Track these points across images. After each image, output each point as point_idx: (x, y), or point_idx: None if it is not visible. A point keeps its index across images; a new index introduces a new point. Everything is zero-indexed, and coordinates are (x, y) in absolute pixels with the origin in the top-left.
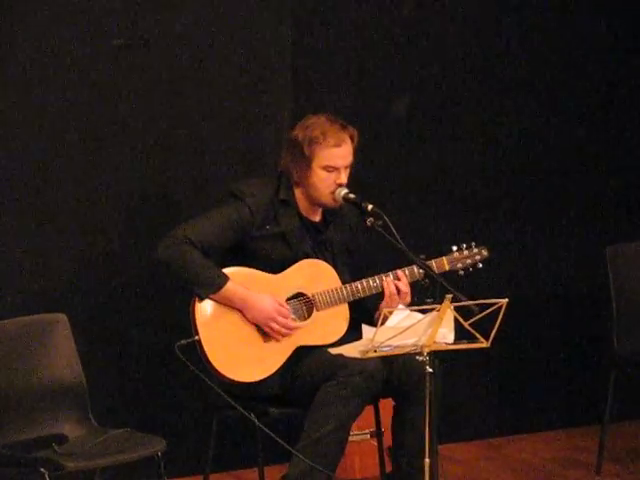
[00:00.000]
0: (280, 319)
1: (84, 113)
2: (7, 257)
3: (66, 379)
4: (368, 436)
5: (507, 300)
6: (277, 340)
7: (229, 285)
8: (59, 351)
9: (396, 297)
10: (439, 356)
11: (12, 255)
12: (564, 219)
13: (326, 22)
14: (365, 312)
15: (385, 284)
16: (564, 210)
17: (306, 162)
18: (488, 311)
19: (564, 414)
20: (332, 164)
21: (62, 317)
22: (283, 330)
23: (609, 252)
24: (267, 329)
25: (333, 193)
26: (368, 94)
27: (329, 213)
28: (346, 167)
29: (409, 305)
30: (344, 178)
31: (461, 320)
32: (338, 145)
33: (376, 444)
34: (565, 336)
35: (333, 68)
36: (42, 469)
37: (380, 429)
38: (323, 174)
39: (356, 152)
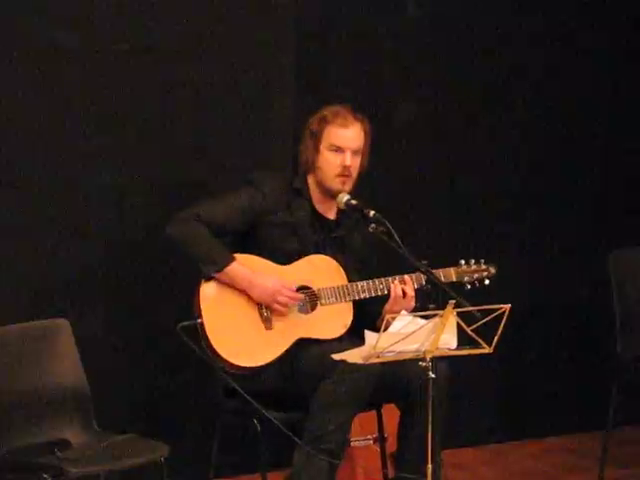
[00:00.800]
0: (286, 291)
1: (87, 117)
2: (8, 262)
3: (69, 385)
4: (371, 442)
5: (510, 306)
6: (285, 314)
7: (234, 265)
8: (62, 357)
9: (401, 300)
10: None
11: (13, 260)
12: (567, 225)
13: (329, 21)
14: (368, 317)
15: (392, 286)
16: (567, 216)
17: (315, 143)
18: (491, 317)
19: (567, 420)
20: (337, 143)
21: (64, 322)
22: (291, 301)
23: (612, 258)
24: (275, 305)
25: (339, 177)
26: (371, 96)
27: (344, 216)
28: (353, 152)
29: (412, 311)
30: (349, 160)
31: (464, 326)
32: (345, 126)
33: (379, 450)
34: (568, 342)
35: (336, 69)
36: (45, 475)
37: (383, 435)
38: (329, 155)
39: (368, 148)
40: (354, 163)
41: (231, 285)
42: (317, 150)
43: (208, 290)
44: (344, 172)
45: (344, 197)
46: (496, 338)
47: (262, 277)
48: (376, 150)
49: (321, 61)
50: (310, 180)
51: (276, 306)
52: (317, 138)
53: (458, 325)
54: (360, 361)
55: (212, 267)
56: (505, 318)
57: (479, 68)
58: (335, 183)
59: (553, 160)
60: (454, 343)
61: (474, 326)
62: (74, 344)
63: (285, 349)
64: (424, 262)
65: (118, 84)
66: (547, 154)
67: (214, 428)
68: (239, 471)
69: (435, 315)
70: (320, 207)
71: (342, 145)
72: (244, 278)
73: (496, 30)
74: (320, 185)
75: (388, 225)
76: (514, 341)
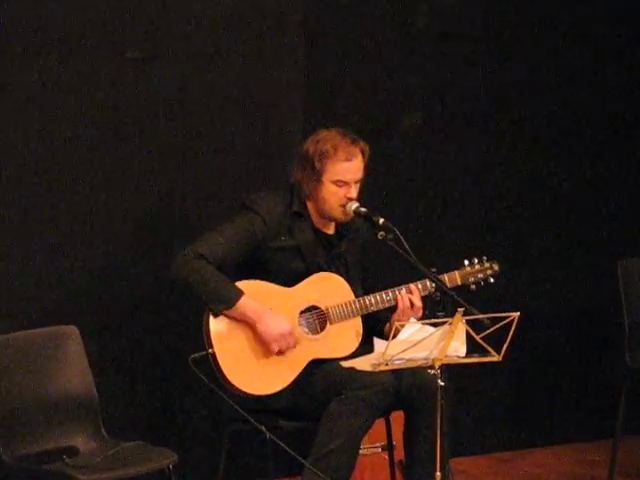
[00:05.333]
0: (290, 340)
1: (96, 126)
2: (18, 269)
3: (78, 391)
4: (379, 449)
5: (519, 314)
6: (275, 354)
7: (243, 300)
8: (70, 363)
9: (409, 311)
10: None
11: (23, 267)
12: (575, 233)
13: (338, 36)
14: (375, 323)
15: (399, 298)
16: (575, 224)
17: (316, 176)
18: (500, 324)
19: (576, 428)
20: (342, 178)
21: (73, 329)
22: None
23: (621, 266)
24: (273, 347)
25: (343, 207)
26: (379, 108)
27: (342, 226)
28: (356, 182)
29: (421, 318)
30: (354, 192)
31: (473, 334)
32: (349, 159)
33: (387, 457)
34: (576, 350)
35: (345, 82)
36: None
37: (391, 442)
38: (333, 188)
39: (367, 167)
40: (357, 189)
41: (241, 318)
42: (319, 182)
43: (218, 319)
44: (348, 202)
45: (353, 205)
46: (505, 346)
47: (272, 317)
48: (383, 161)
49: (331, 76)
50: (310, 204)
51: (274, 347)
52: (319, 172)
53: (467, 333)
54: (369, 368)
55: (222, 305)
56: (514, 326)
57: (490, 82)
58: (339, 213)
59: (562, 168)
60: (463, 351)
61: (483, 334)
62: (83, 351)
63: (298, 373)
64: (433, 270)
65: (130, 96)
66: (556, 162)
67: (223, 435)
68: (247, 478)
69: (444, 323)
70: (320, 225)
71: (348, 180)
72: (254, 312)
73: (508, 46)
74: (321, 212)
75: (397, 232)
76: (523, 350)
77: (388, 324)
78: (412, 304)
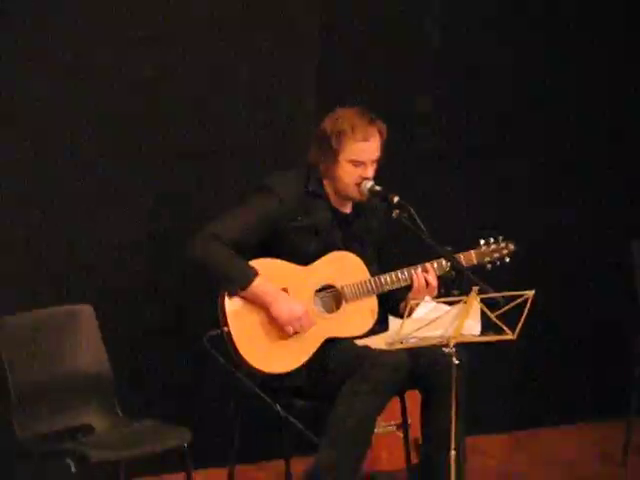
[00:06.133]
0: (305, 322)
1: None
2: (32, 249)
3: (92, 370)
4: (394, 428)
5: (533, 292)
6: (291, 335)
7: (257, 281)
8: (85, 342)
9: (424, 290)
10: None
11: (37, 246)
12: (589, 202)
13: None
14: (390, 302)
15: (414, 276)
16: (590, 196)
17: (333, 155)
18: (514, 303)
19: (590, 407)
20: (359, 158)
21: (88, 308)
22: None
23: (635, 245)
24: (287, 328)
25: (359, 185)
26: (394, 94)
27: (359, 206)
28: (373, 161)
29: (436, 297)
30: (370, 172)
31: (487, 312)
32: (366, 139)
33: (402, 436)
34: (590, 328)
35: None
36: (68, 460)
37: (406, 421)
38: (349, 167)
39: (384, 147)
40: (373, 169)
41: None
42: (336, 161)
43: (233, 298)
44: (363, 181)
45: (368, 183)
46: (519, 324)
47: (284, 301)
48: (399, 144)
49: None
50: (326, 183)
51: (288, 330)
52: (336, 151)
53: (482, 311)
54: (384, 347)
55: (236, 286)
56: (529, 305)
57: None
58: (354, 192)
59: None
60: (478, 329)
61: (498, 312)
62: (97, 330)
63: (313, 351)
64: (448, 248)
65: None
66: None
67: (237, 414)
68: (262, 457)
69: (459, 301)
70: (337, 204)
71: (364, 159)
72: (268, 295)
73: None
74: (337, 191)
75: (412, 211)
76: (537, 328)
77: (403, 303)
78: (427, 283)
